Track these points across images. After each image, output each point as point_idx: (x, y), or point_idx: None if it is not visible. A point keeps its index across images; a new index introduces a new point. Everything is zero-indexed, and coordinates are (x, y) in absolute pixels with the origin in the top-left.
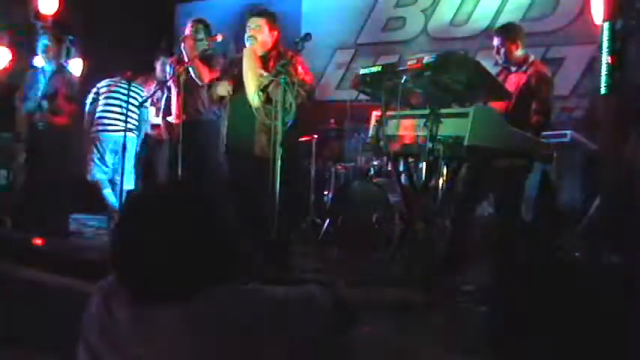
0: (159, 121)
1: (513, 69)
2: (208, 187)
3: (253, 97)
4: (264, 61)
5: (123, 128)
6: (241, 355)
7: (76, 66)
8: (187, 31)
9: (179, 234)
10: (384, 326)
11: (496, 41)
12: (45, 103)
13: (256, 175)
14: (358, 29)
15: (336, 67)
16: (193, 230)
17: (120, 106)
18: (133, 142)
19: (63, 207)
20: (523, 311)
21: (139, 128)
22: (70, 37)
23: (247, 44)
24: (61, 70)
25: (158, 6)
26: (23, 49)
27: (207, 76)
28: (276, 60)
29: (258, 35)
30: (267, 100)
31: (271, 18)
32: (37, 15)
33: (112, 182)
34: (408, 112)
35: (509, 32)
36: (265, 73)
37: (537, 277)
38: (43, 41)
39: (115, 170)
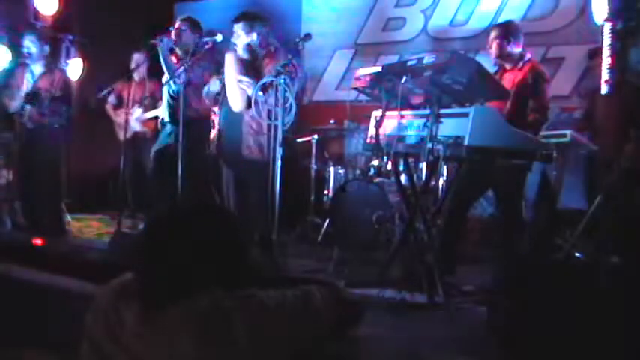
0: (146, 117)
1: (508, 66)
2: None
3: (234, 101)
4: (253, 63)
5: None
6: (242, 357)
7: (75, 66)
8: None
9: (199, 239)
10: (385, 326)
11: (492, 35)
12: (29, 103)
13: (245, 177)
14: (358, 29)
15: (336, 67)
16: (210, 236)
17: None
18: None
19: (55, 206)
20: (524, 311)
21: None
22: (70, 37)
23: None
24: (50, 70)
25: (158, 6)
26: (23, 49)
27: None
28: (268, 60)
29: (237, 41)
30: (248, 105)
31: (247, 22)
32: (37, 15)
33: None
34: (408, 112)
35: (504, 28)
36: (245, 79)
37: (537, 277)
38: (26, 42)
39: None
